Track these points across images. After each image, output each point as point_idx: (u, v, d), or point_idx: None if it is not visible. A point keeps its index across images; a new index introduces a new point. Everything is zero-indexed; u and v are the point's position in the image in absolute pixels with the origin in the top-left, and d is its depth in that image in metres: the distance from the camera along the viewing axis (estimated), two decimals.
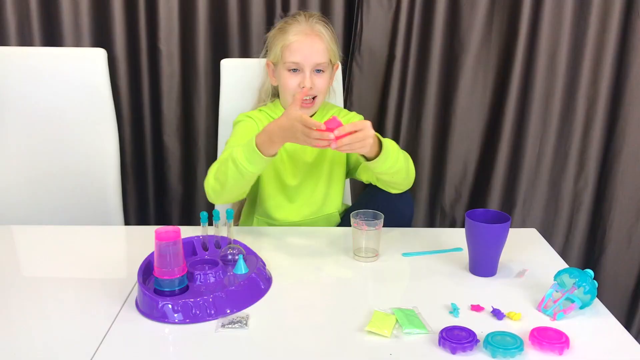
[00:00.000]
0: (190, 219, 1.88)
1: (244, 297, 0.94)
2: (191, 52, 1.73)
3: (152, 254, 0.98)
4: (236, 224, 1.43)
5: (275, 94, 1.38)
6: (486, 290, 1.00)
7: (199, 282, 0.96)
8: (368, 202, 1.22)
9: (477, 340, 0.82)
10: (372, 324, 0.86)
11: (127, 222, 1.67)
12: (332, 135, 1.01)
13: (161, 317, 0.89)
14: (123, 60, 1.73)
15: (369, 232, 1.08)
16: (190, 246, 1.06)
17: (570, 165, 1.77)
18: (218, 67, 1.50)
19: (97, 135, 1.48)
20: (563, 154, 1.77)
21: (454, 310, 0.91)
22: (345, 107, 1.64)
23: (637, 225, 1.79)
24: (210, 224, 1.07)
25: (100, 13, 1.69)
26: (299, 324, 0.90)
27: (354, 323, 0.88)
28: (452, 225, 1.87)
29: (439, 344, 0.82)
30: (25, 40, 1.70)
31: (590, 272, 0.93)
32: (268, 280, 1.01)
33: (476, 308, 0.92)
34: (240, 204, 1.47)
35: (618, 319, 0.91)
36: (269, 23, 1.68)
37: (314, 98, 1.29)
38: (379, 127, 1.79)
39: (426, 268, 1.08)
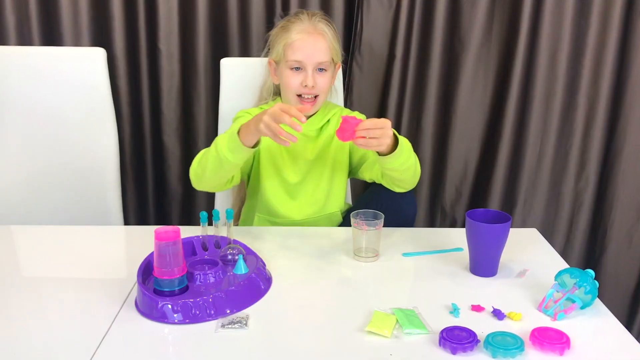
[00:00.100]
0: (190, 219, 1.87)
1: (244, 297, 0.93)
2: (191, 51, 1.73)
3: (151, 254, 0.98)
4: (236, 223, 1.43)
5: (277, 92, 1.38)
6: (487, 290, 1.00)
7: (198, 282, 0.96)
8: (371, 201, 1.22)
9: (478, 341, 0.82)
10: (372, 324, 0.86)
11: (126, 222, 1.67)
12: (299, 128, 1.01)
13: (161, 317, 0.88)
14: (123, 60, 1.73)
15: (369, 232, 1.08)
16: (190, 246, 1.06)
17: (571, 165, 1.77)
18: (218, 66, 1.50)
19: (96, 135, 1.47)
20: (564, 153, 1.77)
21: (454, 311, 0.91)
22: (345, 106, 1.64)
23: (637, 225, 1.79)
24: (210, 224, 1.07)
25: (100, 12, 1.69)
26: (299, 324, 0.90)
27: (354, 323, 0.88)
28: (453, 225, 1.87)
29: (440, 344, 0.82)
30: (24, 39, 1.70)
31: (591, 272, 0.93)
32: (268, 281, 1.00)
33: (477, 308, 0.92)
34: (240, 203, 1.47)
35: (619, 319, 0.91)
36: (269, 22, 1.68)
37: (315, 97, 1.28)
38: None
39: (426, 268, 1.08)
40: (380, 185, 1.26)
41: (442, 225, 1.88)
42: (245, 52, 1.73)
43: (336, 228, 1.34)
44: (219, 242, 1.08)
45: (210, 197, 1.77)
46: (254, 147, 1.10)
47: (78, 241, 1.20)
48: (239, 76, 1.49)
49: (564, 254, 1.83)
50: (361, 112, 1.41)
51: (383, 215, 1.09)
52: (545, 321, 0.89)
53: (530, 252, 1.14)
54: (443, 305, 0.93)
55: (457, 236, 1.18)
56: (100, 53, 1.45)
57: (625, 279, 1.83)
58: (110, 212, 1.50)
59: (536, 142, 1.76)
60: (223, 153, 1.09)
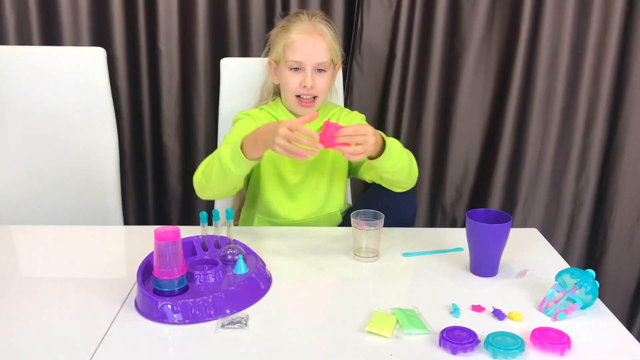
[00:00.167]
0: (189, 219, 1.87)
1: (244, 297, 0.93)
2: (191, 51, 1.73)
3: (151, 254, 0.97)
4: (236, 223, 1.42)
5: (277, 92, 1.38)
6: (487, 290, 1.00)
7: (198, 282, 0.96)
8: (371, 200, 1.22)
9: (478, 341, 0.82)
10: (372, 324, 0.86)
11: (126, 222, 1.66)
12: (320, 146, 1.02)
13: (160, 317, 0.88)
14: (122, 60, 1.72)
15: (369, 232, 1.08)
16: (189, 246, 1.06)
17: (572, 165, 1.77)
18: (218, 66, 1.50)
19: (96, 135, 1.47)
20: (564, 153, 1.77)
21: (454, 311, 0.91)
22: (345, 106, 1.63)
23: (638, 225, 1.79)
24: (210, 223, 1.06)
25: (100, 12, 1.69)
26: (299, 324, 0.89)
27: (354, 323, 0.88)
28: (453, 225, 1.87)
29: (440, 345, 0.82)
30: (24, 39, 1.70)
31: (591, 272, 0.93)
32: (268, 281, 1.00)
33: (477, 308, 0.92)
34: (240, 203, 1.46)
35: (619, 319, 0.91)
36: (269, 22, 1.68)
37: (314, 98, 1.28)
38: (380, 127, 1.78)
39: (427, 268, 1.08)
40: (380, 185, 1.26)
41: (443, 225, 1.88)
42: (245, 52, 1.73)
43: (336, 228, 1.34)
44: (219, 242, 1.08)
45: None
46: (258, 159, 1.10)
47: (78, 241, 1.20)
48: (239, 76, 1.48)
49: (565, 254, 1.83)
50: (361, 112, 1.41)
51: (383, 215, 1.09)
52: (545, 321, 0.89)
53: (530, 252, 1.14)
54: (443, 306, 0.93)
55: (457, 236, 1.18)
56: (100, 53, 1.45)
57: (625, 279, 1.82)
58: (110, 212, 1.50)
59: (536, 142, 1.76)
60: (227, 166, 1.09)
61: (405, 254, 1.12)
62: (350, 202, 1.51)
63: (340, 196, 1.37)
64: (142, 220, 1.88)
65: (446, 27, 1.69)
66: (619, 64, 1.68)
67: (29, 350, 0.82)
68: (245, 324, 0.87)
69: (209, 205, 1.60)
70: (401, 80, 1.74)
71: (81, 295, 0.97)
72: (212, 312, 0.89)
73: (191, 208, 1.88)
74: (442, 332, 0.83)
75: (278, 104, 1.35)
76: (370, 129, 1.06)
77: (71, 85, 1.44)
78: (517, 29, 1.66)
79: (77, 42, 1.70)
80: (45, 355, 0.82)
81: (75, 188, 1.49)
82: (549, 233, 1.82)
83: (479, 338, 0.82)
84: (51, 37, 1.70)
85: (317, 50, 1.25)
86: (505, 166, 1.77)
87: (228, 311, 0.90)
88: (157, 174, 1.86)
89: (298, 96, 1.28)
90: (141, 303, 0.91)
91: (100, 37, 1.70)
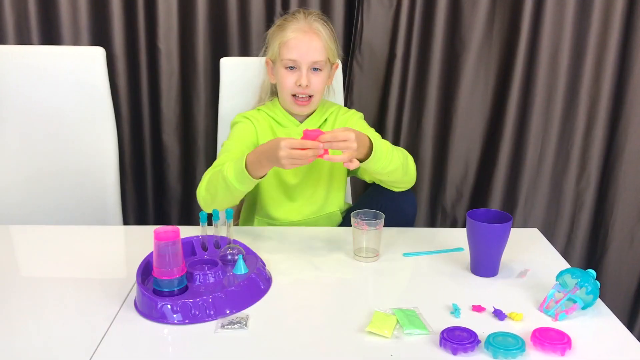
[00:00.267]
0: (189, 219, 1.87)
1: (244, 297, 0.93)
2: (190, 50, 1.73)
3: (151, 254, 0.97)
4: (235, 223, 1.42)
5: (275, 92, 1.37)
6: (487, 290, 1.00)
7: (198, 282, 0.96)
8: (371, 200, 1.22)
9: (479, 341, 0.82)
10: (372, 324, 0.86)
11: (125, 222, 1.66)
12: (321, 145, 1.02)
13: (160, 317, 0.88)
14: (122, 59, 1.72)
15: (369, 232, 1.08)
16: (189, 246, 1.06)
17: (572, 165, 1.76)
18: (217, 65, 1.50)
19: (95, 134, 1.47)
20: (565, 153, 1.76)
21: (455, 311, 0.91)
22: (345, 106, 1.63)
23: (639, 225, 1.78)
24: (210, 223, 1.06)
25: (99, 11, 1.68)
26: (299, 324, 0.89)
27: (354, 323, 0.88)
28: (453, 225, 1.87)
29: (440, 345, 0.82)
30: (23, 38, 1.69)
31: (592, 272, 0.92)
32: (268, 281, 1.00)
33: (477, 308, 0.92)
34: (239, 204, 1.46)
35: (620, 320, 0.90)
36: (269, 21, 1.67)
37: (310, 97, 1.28)
38: (380, 127, 1.78)
39: (427, 268, 1.08)
40: (380, 185, 1.25)
41: (443, 225, 1.88)
42: (245, 51, 1.73)
43: (336, 228, 1.34)
44: (219, 242, 1.07)
45: None
46: (264, 175, 1.12)
47: (77, 241, 1.20)
48: (238, 75, 1.48)
49: (565, 254, 1.82)
50: (361, 111, 1.41)
51: (383, 215, 1.09)
52: (546, 321, 0.89)
53: (531, 252, 1.14)
54: (444, 306, 0.93)
55: (457, 236, 1.18)
56: (99, 52, 1.45)
57: (626, 279, 1.82)
58: (110, 211, 1.50)
59: (537, 142, 1.75)
60: (233, 185, 1.10)
61: (405, 254, 1.12)
62: (350, 201, 1.50)
63: (340, 196, 1.37)
64: (141, 220, 1.88)
65: (446, 27, 1.69)
66: (620, 64, 1.67)
67: (28, 350, 0.82)
68: (245, 324, 0.87)
69: None
70: (401, 80, 1.73)
71: (81, 296, 0.96)
72: (212, 312, 0.89)
73: (191, 208, 1.88)
74: (442, 332, 0.83)
75: (275, 104, 1.35)
76: (352, 134, 1.04)
77: (70, 84, 1.44)
78: (518, 29, 1.65)
79: (76, 42, 1.70)
80: (45, 356, 0.81)
81: (75, 188, 1.49)
82: (549, 233, 1.82)
83: (479, 338, 0.82)
84: (50, 36, 1.70)
85: (313, 49, 1.25)
86: (505, 166, 1.77)
87: (228, 311, 0.90)
88: (156, 174, 1.86)
89: (294, 95, 1.27)
90: (141, 303, 0.91)
91: (99, 36, 1.70)
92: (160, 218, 1.89)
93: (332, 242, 1.18)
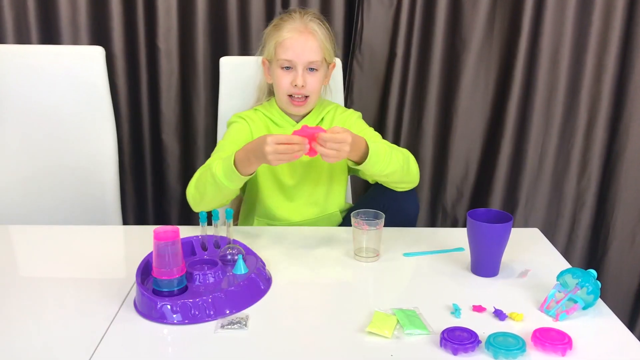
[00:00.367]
0: (189, 219, 1.87)
1: (244, 297, 0.93)
2: (190, 49, 1.72)
3: (150, 254, 0.97)
4: (235, 223, 1.42)
5: (272, 92, 1.37)
6: (488, 290, 0.99)
7: (197, 282, 0.95)
8: (373, 200, 1.22)
9: (479, 341, 0.81)
10: (372, 324, 0.85)
11: (125, 222, 1.66)
12: (306, 141, 1.03)
13: (160, 317, 0.88)
14: (121, 58, 1.72)
15: (369, 232, 1.08)
16: (189, 246, 1.05)
17: (573, 165, 1.76)
18: (217, 65, 1.49)
19: (95, 134, 1.47)
20: (566, 153, 1.76)
21: (455, 311, 0.90)
22: (346, 105, 1.63)
23: None
24: (210, 223, 1.06)
25: (99, 10, 1.68)
26: (299, 324, 0.89)
27: (354, 324, 0.87)
28: (454, 225, 1.86)
29: (441, 345, 0.81)
30: (22, 38, 1.69)
31: (593, 272, 0.92)
32: (268, 281, 1.00)
33: (478, 309, 0.92)
34: (238, 204, 1.46)
35: (621, 320, 0.90)
36: (269, 20, 1.65)
37: (306, 97, 1.27)
38: (380, 126, 1.78)
39: (427, 268, 1.07)
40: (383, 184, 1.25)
41: (443, 225, 1.88)
42: (244, 50, 1.73)
43: (336, 228, 1.33)
44: (219, 242, 1.07)
45: None
46: (253, 173, 1.11)
47: (76, 241, 1.20)
48: (238, 75, 1.48)
49: (566, 254, 1.82)
50: (361, 111, 1.40)
51: (384, 215, 1.08)
52: (547, 322, 0.89)
53: (532, 252, 1.13)
54: (444, 306, 0.93)
55: (458, 236, 1.17)
56: (99, 51, 1.44)
57: (627, 279, 1.82)
58: (109, 211, 1.50)
59: (538, 142, 1.75)
60: (221, 182, 1.10)
61: (405, 254, 1.12)
62: (350, 201, 1.50)
63: (340, 196, 1.36)
64: (141, 220, 1.88)
65: (447, 26, 1.69)
66: (621, 63, 1.67)
67: (28, 351, 0.82)
68: (245, 325, 0.87)
69: None
70: (402, 80, 1.73)
71: (80, 296, 0.96)
72: (212, 313, 0.89)
73: (190, 208, 1.87)
74: (442, 332, 0.83)
75: (272, 104, 1.34)
76: (349, 138, 1.04)
77: (70, 84, 1.44)
78: (518, 28, 1.65)
79: (75, 41, 1.70)
80: (44, 356, 0.81)
81: (74, 187, 1.49)
82: (550, 233, 1.82)
83: (480, 338, 0.82)
84: (50, 35, 1.70)
85: (308, 49, 1.24)
86: (506, 166, 1.76)
87: (227, 311, 0.90)
88: (156, 173, 1.85)
89: (290, 96, 1.27)
90: (140, 303, 0.91)
91: (99, 35, 1.69)
92: (160, 218, 1.89)
93: (332, 242, 1.18)
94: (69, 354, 0.81)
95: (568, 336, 0.82)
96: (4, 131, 1.46)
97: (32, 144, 1.47)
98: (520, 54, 1.66)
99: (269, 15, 1.70)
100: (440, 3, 1.66)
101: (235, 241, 1.06)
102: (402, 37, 1.69)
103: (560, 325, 0.87)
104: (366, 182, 1.36)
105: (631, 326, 1.84)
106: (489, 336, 0.81)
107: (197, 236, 1.07)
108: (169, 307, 0.88)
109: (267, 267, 1.03)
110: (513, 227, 1.02)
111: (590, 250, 1.85)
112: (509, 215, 1.02)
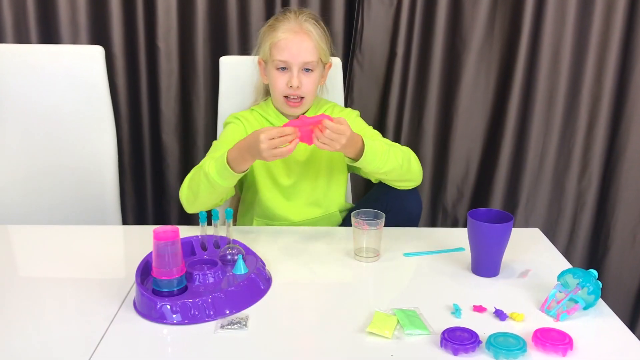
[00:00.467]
0: (189, 219, 1.85)
1: (244, 297, 0.93)
2: (190, 49, 1.72)
3: (150, 254, 0.97)
4: (234, 223, 1.41)
5: (268, 92, 1.37)
6: (488, 290, 0.99)
7: (197, 282, 0.95)
8: (376, 199, 1.22)
9: (480, 342, 0.81)
10: (373, 324, 0.85)
11: (125, 222, 1.66)
12: (297, 130, 1.05)
13: (159, 317, 0.88)
14: (121, 58, 1.72)
15: (370, 232, 1.07)
16: (188, 246, 1.05)
17: (574, 164, 1.76)
18: (217, 64, 1.49)
19: (94, 134, 1.47)
20: (566, 152, 1.76)
21: (456, 311, 0.90)
22: (346, 105, 1.63)
23: None
24: (209, 223, 1.06)
25: (98, 10, 1.68)
26: (299, 324, 0.89)
27: (354, 324, 0.87)
28: (454, 225, 1.86)
29: (441, 345, 0.81)
30: (22, 37, 1.69)
31: (594, 272, 0.92)
32: (268, 281, 0.99)
33: (478, 309, 0.91)
34: (236, 204, 1.45)
35: (622, 320, 0.90)
36: (269, 20, 1.67)
37: (301, 98, 1.27)
38: (380, 126, 1.78)
39: (428, 268, 1.07)
40: (386, 183, 1.25)
41: (444, 225, 1.87)
42: (244, 50, 1.72)
43: (336, 228, 1.33)
44: (218, 242, 1.07)
45: None
46: (246, 170, 1.12)
47: (76, 241, 1.19)
48: (238, 74, 1.47)
49: (567, 253, 1.82)
50: (362, 111, 1.40)
51: (384, 215, 1.08)
52: (547, 322, 0.88)
53: (532, 252, 1.13)
54: (444, 306, 0.93)
55: (458, 236, 1.17)
56: (98, 51, 1.44)
57: (628, 279, 1.82)
58: (109, 211, 1.50)
59: (538, 141, 1.75)
60: (215, 180, 1.10)
61: (406, 254, 1.12)
62: (351, 202, 1.50)
63: (340, 196, 1.36)
64: (141, 220, 1.88)
65: (447, 26, 1.68)
66: (622, 63, 1.67)
67: (27, 351, 0.82)
68: (245, 325, 0.87)
69: None
70: (402, 79, 1.73)
71: (79, 296, 0.96)
72: (212, 313, 0.88)
73: None
74: (443, 332, 0.82)
75: (268, 104, 1.34)
76: (347, 131, 1.06)
77: (69, 83, 1.44)
78: (519, 28, 1.65)
79: (75, 40, 1.69)
80: (44, 356, 0.81)
81: (74, 187, 1.48)
82: (551, 233, 1.82)
83: (480, 339, 0.81)
84: (49, 35, 1.69)
85: (303, 50, 1.24)
86: (506, 165, 1.76)
87: (227, 312, 0.90)
88: (156, 173, 1.85)
89: (286, 96, 1.27)
90: (140, 303, 0.90)
91: (98, 35, 1.69)
92: (160, 218, 1.88)
93: (332, 242, 1.18)
94: (68, 354, 0.81)
95: (569, 336, 0.82)
96: (4, 131, 1.46)
97: (31, 143, 1.46)
98: (521, 54, 1.66)
99: (269, 15, 1.68)
100: (440, 3, 1.65)
101: (235, 241, 1.06)
102: (403, 37, 1.69)
103: (561, 326, 0.87)
104: (367, 182, 1.36)
105: (632, 326, 1.84)
106: (490, 336, 0.81)
107: (197, 236, 1.06)
108: (168, 307, 0.88)
109: (267, 267, 1.03)
110: (513, 227, 1.01)
111: (591, 250, 1.84)
112: (509, 215, 1.02)
